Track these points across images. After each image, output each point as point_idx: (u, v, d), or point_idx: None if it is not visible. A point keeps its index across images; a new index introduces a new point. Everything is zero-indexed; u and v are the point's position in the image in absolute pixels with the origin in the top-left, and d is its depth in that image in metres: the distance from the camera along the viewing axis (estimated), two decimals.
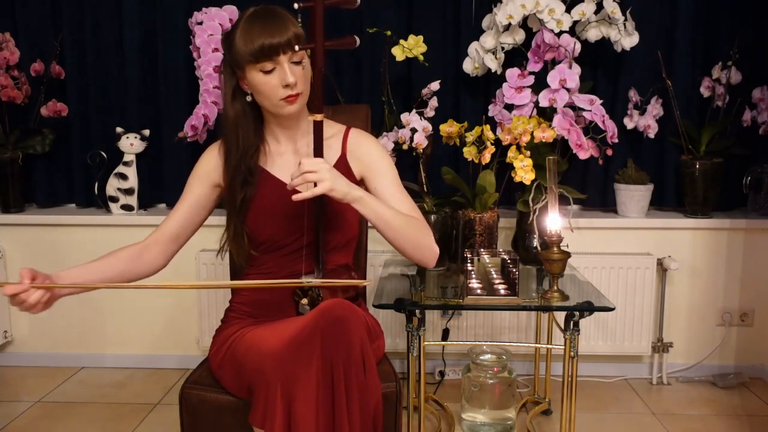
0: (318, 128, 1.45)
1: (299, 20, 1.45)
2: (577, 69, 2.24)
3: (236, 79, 1.52)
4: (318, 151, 1.46)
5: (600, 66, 2.51)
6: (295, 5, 1.38)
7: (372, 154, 1.61)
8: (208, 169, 1.60)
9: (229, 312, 1.65)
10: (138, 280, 1.55)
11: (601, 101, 2.20)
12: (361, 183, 1.62)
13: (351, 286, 1.63)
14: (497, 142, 2.15)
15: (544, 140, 2.08)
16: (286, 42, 1.42)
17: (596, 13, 2.28)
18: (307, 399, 1.27)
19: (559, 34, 2.23)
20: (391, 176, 1.60)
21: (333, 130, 1.62)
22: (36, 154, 2.68)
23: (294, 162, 1.57)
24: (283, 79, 1.44)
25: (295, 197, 1.40)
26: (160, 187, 2.70)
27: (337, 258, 1.60)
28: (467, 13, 2.50)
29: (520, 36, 2.33)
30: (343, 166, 1.59)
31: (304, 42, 1.44)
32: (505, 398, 2.05)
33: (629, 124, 2.48)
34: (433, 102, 2.36)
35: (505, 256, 1.88)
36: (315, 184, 1.38)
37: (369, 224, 1.88)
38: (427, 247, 1.54)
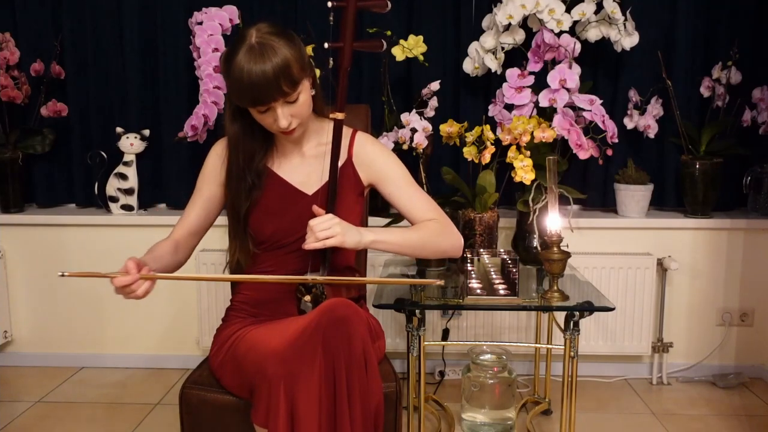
0: (338, 127, 1.47)
1: (331, 18, 1.45)
2: (577, 69, 2.24)
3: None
4: (336, 150, 1.50)
5: (600, 66, 2.51)
6: (329, 3, 1.39)
7: (380, 160, 1.62)
8: (216, 169, 1.61)
9: (230, 311, 1.65)
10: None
11: (601, 101, 2.20)
12: (368, 188, 1.65)
13: (354, 285, 1.64)
14: (497, 142, 2.15)
15: (544, 140, 2.08)
16: (277, 91, 1.38)
17: (596, 13, 2.28)
18: (309, 397, 1.28)
19: (559, 34, 2.23)
20: (403, 179, 1.62)
21: None
22: (36, 154, 2.68)
23: (300, 163, 1.59)
24: (277, 123, 1.44)
25: (305, 246, 1.42)
26: (160, 187, 2.70)
27: (339, 258, 1.60)
28: (467, 13, 2.50)
29: (520, 36, 2.33)
30: (350, 169, 1.60)
31: (298, 72, 1.40)
32: (505, 398, 2.05)
33: (629, 124, 2.47)
34: (433, 102, 2.36)
35: (505, 256, 1.89)
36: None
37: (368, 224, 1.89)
38: (450, 247, 1.59)
